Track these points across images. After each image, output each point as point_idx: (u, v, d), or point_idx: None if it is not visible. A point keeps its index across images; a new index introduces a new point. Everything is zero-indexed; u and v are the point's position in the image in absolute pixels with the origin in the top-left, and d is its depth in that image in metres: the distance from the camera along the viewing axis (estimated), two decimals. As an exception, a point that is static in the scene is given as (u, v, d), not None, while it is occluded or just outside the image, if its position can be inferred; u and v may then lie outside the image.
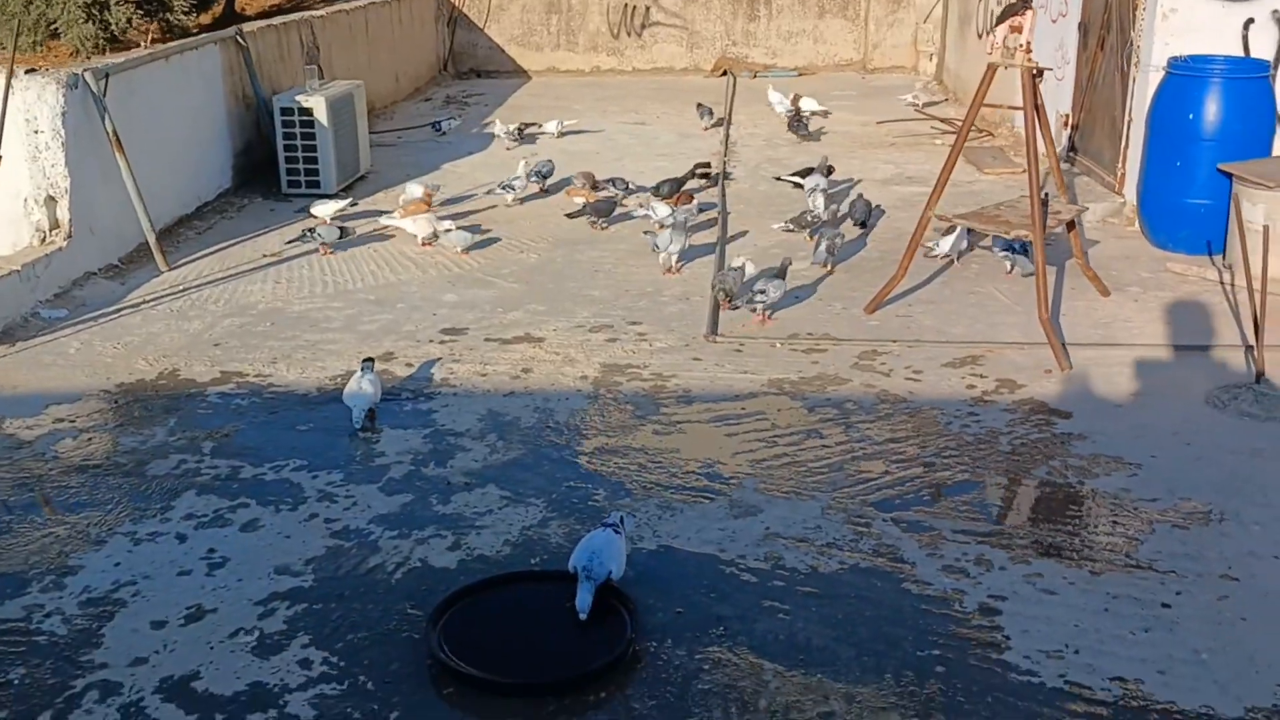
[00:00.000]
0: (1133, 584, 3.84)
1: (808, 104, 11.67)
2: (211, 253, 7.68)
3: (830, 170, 8.79)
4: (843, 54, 15.38)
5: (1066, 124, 9.17)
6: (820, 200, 7.87)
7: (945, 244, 6.97)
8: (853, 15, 15.25)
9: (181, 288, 7.00)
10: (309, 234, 7.59)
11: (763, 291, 6.19)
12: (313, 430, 5.08)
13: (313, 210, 8.17)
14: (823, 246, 6.99)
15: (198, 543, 4.19)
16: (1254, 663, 3.45)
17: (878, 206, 8.29)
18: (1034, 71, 5.69)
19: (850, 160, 9.99)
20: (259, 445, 4.94)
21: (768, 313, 6.25)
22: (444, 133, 11.42)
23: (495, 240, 7.89)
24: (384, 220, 8.01)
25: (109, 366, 5.82)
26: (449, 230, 7.61)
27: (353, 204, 8.44)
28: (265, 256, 7.58)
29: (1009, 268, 6.82)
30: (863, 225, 7.91)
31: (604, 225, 8.13)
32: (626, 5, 15.45)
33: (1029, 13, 5.64)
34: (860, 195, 8.31)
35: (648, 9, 15.46)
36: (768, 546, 4.11)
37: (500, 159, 10.31)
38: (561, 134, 11.15)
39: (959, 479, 4.56)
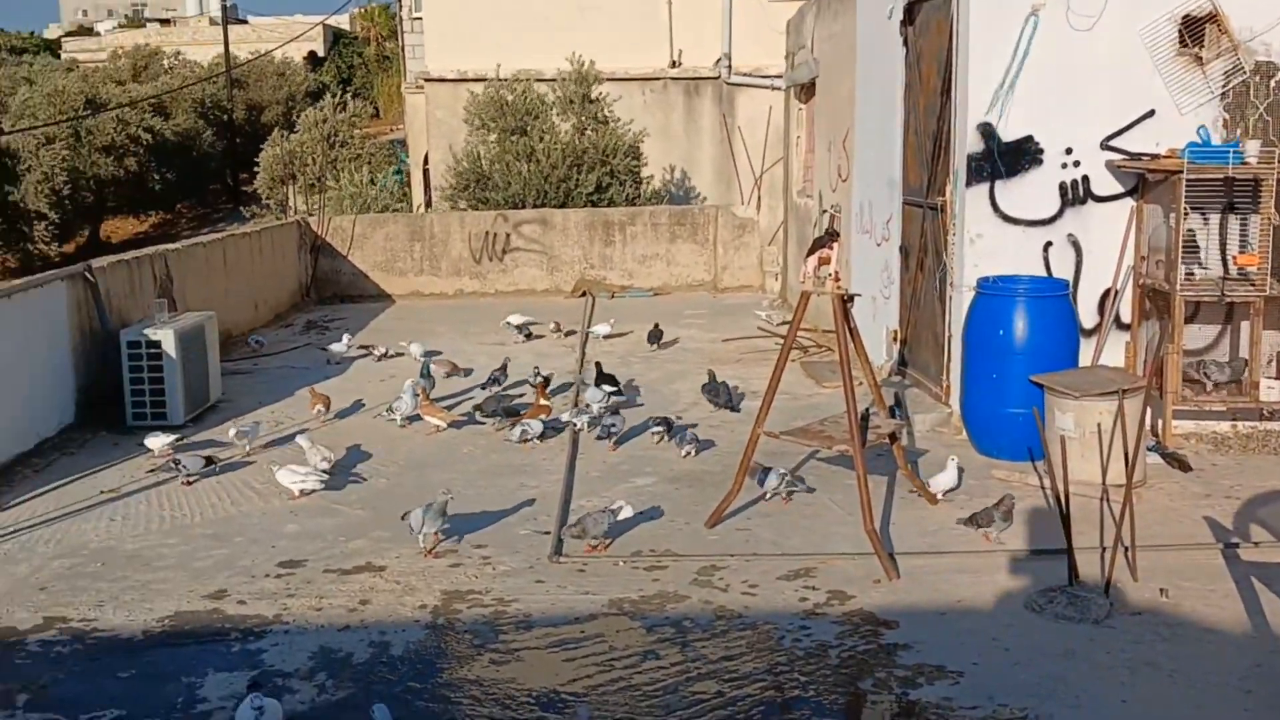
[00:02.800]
0: (952, 795, 3.91)
1: (599, 329, 12.25)
2: (47, 491, 7.49)
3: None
4: (694, 275, 16.11)
5: (896, 339, 9.71)
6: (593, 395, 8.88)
7: (770, 481, 6.77)
8: (702, 240, 16.06)
9: (12, 529, 6.79)
10: (174, 465, 7.52)
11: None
12: (134, 677, 4.91)
13: (146, 443, 8.05)
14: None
15: (-4, 808, 3.96)
16: None
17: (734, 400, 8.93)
18: (844, 297, 6.09)
19: (699, 376, 10.31)
20: (75, 697, 4.75)
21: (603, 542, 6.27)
22: (253, 348, 12.09)
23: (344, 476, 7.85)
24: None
25: (-78, 617, 5.56)
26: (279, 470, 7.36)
27: (181, 438, 8.36)
28: (103, 492, 7.42)
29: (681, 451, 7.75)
30: (734, 409, 8.83)
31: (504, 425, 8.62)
32: (488, 232, 16.01)
33: (835, 245, 6.08)
34: (723, 383, 9.13)
35: (509, 235, 16.04)
36: (597, 777, 4.08)
37: (357, 382, 10.40)
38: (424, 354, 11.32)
39: (789, 695, 4.62)
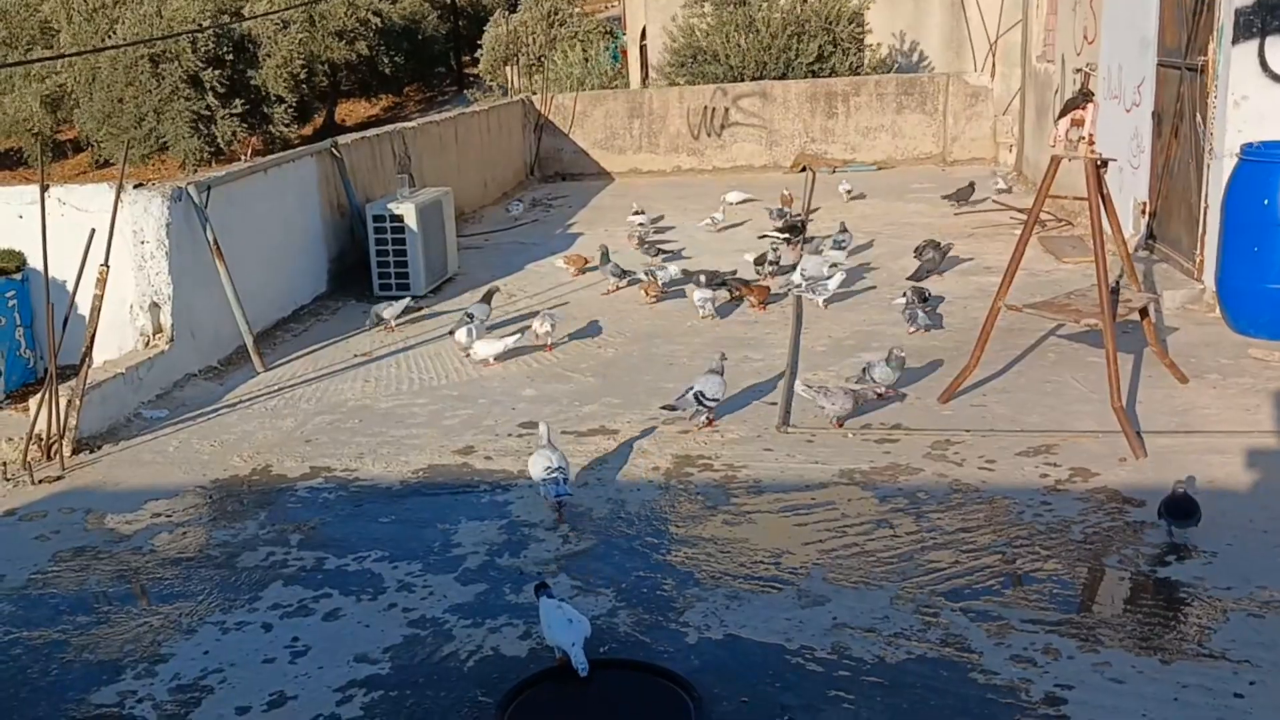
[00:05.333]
0: (1204, 673, 3.79)
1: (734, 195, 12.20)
2: (306, 354, 8.02)
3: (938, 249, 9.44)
4: (922, 148, 15.54)
5: (1144, 212, 9.15)
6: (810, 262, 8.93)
7: (829, 405, 6.12)
8: (931, 110, 15.44)
9: (276, 387, 7.32)
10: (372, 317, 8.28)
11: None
12: (394, 523, 5.27)
13: (378, 312, 8.46)
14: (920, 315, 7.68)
15: (282, 632, 4.36)
16: (1331, 755, 3.37)
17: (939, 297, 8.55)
18: (1097, 162, 5.75)
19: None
20: (343, 537, 5.14)
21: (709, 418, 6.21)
22: (515, 215, 12.44)
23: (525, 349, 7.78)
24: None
25: (205, 464, 6.11)
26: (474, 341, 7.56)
27: (413, 305, 8.76)
28: (356, 356, 7.89)
29: (909, 328, 7.62)
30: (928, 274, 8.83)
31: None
32: (706, 108, 15.85)
33: (1090, 106, 5.73)
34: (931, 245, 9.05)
35: (727, 110, 15.84)
36: (835, 637, 4.14)
37: (587, 251, 10.61)
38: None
39: (1029, 568, 4.55)
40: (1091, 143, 5.74)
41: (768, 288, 8.83)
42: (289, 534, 5.22)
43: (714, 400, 6.19)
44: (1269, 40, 7.43)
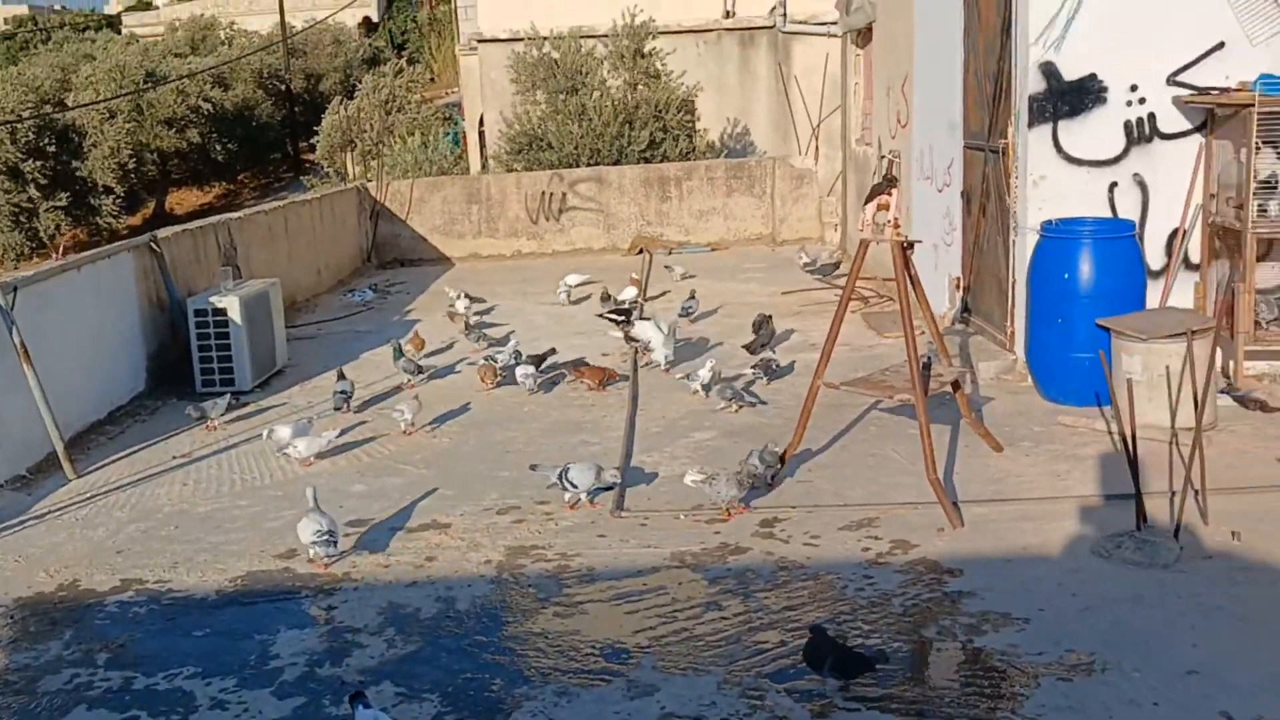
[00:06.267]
0: (1018, 742, 3.89)
1: (628, 293, 11.77)
2: (122, 457, 7.67)
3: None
4: (752, 229, 15.99)
5: (959, 287, 9.57)
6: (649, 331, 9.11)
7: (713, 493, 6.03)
8: (759, 193, 15.92)
9: (89, 494, 6.97)
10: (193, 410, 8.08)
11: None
12: (209, 635, 5.04)
13: (199, 411, 8.16)
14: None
15: (82, 761, 4.10)
16: (1135, 815, 3.49)
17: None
18: (904, 244, 6.00)
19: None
20: (154, 654, 4.89)
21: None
22: (363, 302, 12.52)
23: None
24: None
25: (8, 581, 5.75)
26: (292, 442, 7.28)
27: (236, 401, 8.50)
28: (175, 458, 7.59)
29: (732, 407, 7.85)
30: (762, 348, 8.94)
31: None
32: (544, 192, 16.01)
33: (894, 191, 5.99)
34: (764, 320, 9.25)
35: (564, 195, 16.02)
36: (662, 727, 4.11)
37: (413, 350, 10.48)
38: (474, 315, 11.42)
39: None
40: (897, 225, 5.99)
41: (604, 370, 8.87)
42: (95, 653, 4.93)
43: (573, 484, 6.19)
44: (1061, 124, 7.92)
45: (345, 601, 5.28)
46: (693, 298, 10.95)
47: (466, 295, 11.79)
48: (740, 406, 7.89)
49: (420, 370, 9.14)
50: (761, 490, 6.29)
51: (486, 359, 9.18)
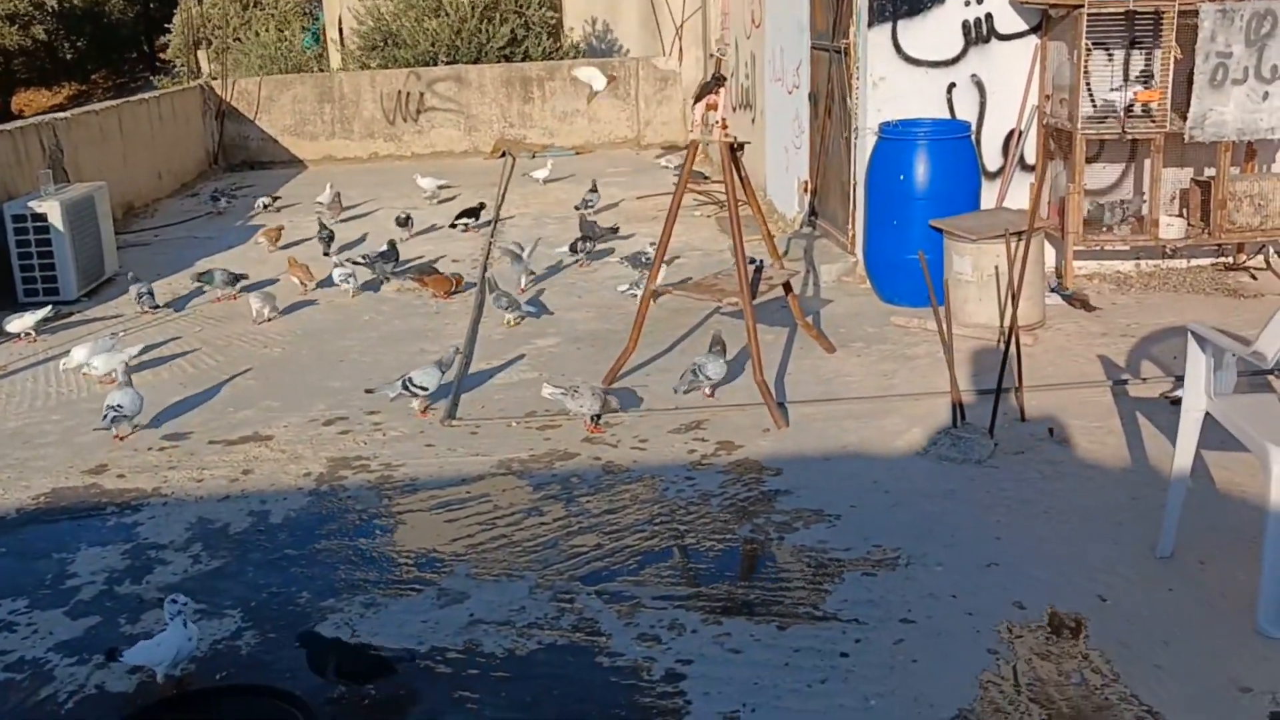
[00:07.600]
0: (816, 635, 3.95)
1: (427, 182, 12.23)
2: (-70, 372, 7.26)
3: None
4: (618, 131, 15.76)
5: (806, 189, 9.57)
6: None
7: (575, 406, 5.84)
8: (624, 94, 15.66)
9: (-109, 411, 6.59)
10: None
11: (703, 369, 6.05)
12: (4, 555, 4.82)
13: (5, 326, 7.72)
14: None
15: None
16: (918, 703, 3.58)
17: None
18: (732, 145, 5.92)
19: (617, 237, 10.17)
20: (-56, 576, 4.66)
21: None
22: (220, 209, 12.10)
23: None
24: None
25: None
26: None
27: (53, 313, 8.05)
28: (-12, 371, 7.22)
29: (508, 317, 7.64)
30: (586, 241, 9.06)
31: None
32: (400, 92, 15.50)
33: (722, 90, 5.88)
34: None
35: (422, 95, 15.54)
36: (468, 634, 4.07)
37: (256, 254, 10.12)
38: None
39: (665, 545, 4.63)
40: (725, 125, 5.90)
41: (449, 278, 8.67)
42: (-119, 576, 4.68)
43: (422, 388, 6.05)
44: (900, 24, 7.88)
45: (153, 517, 5.09)
46: (594, 190, 10.83)
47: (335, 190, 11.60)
48: (519, 319, 7.73)
49: (236, 279, 8.70)
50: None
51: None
